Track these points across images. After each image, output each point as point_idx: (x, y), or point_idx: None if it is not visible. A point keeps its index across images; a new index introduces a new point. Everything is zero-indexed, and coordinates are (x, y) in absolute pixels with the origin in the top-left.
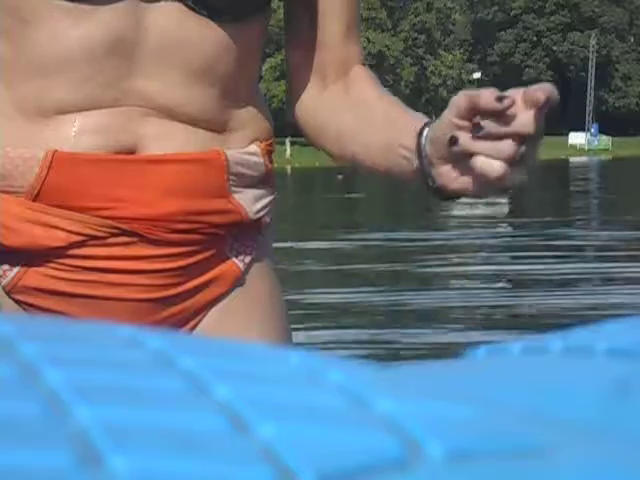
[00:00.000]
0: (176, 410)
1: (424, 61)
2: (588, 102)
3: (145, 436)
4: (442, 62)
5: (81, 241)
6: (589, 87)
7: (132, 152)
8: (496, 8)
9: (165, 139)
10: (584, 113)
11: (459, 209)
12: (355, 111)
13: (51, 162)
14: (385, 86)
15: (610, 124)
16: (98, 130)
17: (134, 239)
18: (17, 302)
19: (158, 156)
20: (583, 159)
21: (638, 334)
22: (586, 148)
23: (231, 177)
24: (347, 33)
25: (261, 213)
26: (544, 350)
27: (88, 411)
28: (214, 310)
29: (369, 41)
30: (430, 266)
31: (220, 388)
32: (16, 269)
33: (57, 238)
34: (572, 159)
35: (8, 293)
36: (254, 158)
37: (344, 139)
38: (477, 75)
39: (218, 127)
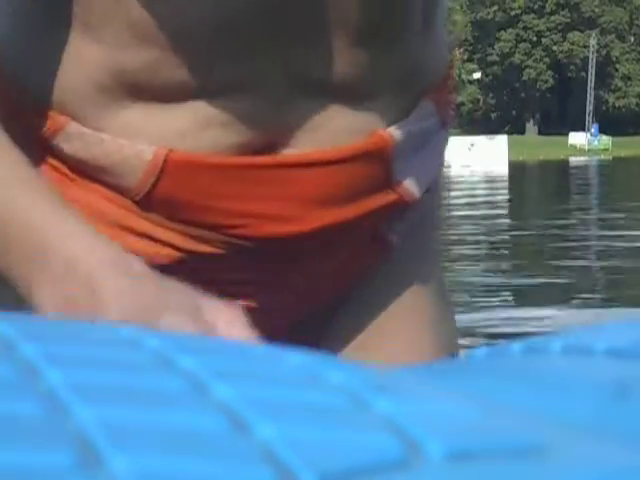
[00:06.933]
0: (176, 410)
1: None
2: (588, 102)
3: (145, 436)
4: None
5: (191, 258)
6: (589, 87)
7: (271, 149)
8: (496, 8)
9: (315, 129)
10: (584, 113)
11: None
12: None
13: (163, 166)
14: None
15: (610, 124)
16: (229, 121)
17: (261, 255)
18: None
19: (305, 157)
20: (583, 159)
21: (638, 334)
22: (586, 148)
23: (399, 161)
24: None
25: (429, 184)
26: (544, 350)
27: (88, 411)
28: (359, 289)
29: None
30: None
31: (220, 388)
32: None
33: (163, 256)
34: (572, 159)
35: None
36: (429, 122)
37: None
38: (477, 75)
39: (382, 96)
